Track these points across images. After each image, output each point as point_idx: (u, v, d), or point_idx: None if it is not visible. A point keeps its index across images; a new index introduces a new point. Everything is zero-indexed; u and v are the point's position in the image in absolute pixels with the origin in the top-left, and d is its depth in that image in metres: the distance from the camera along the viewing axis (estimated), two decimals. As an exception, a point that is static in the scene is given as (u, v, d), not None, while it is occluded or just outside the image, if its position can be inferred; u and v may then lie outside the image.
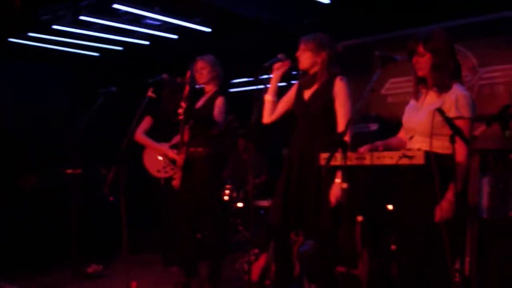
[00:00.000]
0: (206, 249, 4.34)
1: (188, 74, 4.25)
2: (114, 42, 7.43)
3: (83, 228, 5.05)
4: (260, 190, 6.89)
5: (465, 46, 5.44)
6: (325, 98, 3.40)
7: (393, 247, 3.78)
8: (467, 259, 3.41)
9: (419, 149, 2.62)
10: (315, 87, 3.47)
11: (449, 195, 2.72)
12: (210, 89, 4.38)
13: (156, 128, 5.19)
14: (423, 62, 2.91)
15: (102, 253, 5.53)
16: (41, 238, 5.53)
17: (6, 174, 5.98)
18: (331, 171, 3.19)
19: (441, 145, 2.75)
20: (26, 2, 5.64)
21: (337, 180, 3.27)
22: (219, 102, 4.25)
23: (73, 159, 5.00)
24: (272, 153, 6.97)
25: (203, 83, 4.36)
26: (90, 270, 4.95)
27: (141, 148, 5.17)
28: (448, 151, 2.69)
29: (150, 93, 4.06)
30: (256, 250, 4.66)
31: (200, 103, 4.36)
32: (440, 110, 2.61)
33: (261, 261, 4.45)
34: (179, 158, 4.25)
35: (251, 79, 7.93)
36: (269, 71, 3.54)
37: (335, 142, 2.78)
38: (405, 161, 2.63)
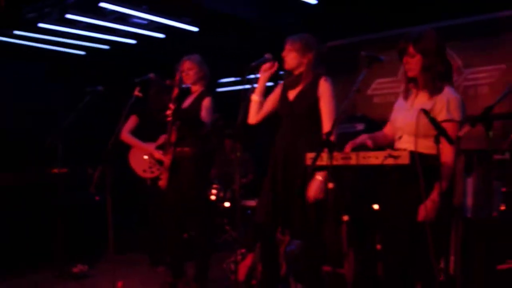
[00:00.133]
0: (193, 249, 4.33)
1: (177, 76, 4.24)
2: (100, 41, 7.40)
3: (69, 228, 5.02)
4: (247, 189, 6.89)
5: (450, 47, 5.49)
6: (309, 98, 3.41)
7: (378, 246, 3.80)
8: (452, 258, 3.44)
9: (404, 149, 2.64)
10: (299, 87, 3.48)
11: (434, 195, 2.75)
12: (197, 89, 4.38)
13: (142, 127, 5.17)
14: (413, 63, 2.92)
15: (88, 253, 5.50)
16: (26, 238, 5.47)
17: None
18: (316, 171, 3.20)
19: (429, 146, 2.77)
20: (11, 0, 5.60)
21: (318, 177, 3.28)
22: (206, 102, 4.24)
23: (59, 158, 4.97)
24: (259, 152, 6.98)
25: (190, 84, 4.35)
26: (75, 270, 4.92)
27: (127, 147, 5.15)
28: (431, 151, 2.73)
29: (136, 92, 4.05)
30: (243, 250, 4.66)
31: (187, 103, 4.35)
32: (425, 111, 2.63)
33: (248, 261, 4.45)
34: (166, 159, 4.24)
35: (238, 78, 7.93)
36: (256, 70, 3.54)
37: (321, 142, 2.79)
38: (390, 161, 2.65)
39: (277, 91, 3.63)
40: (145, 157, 5.06)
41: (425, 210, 2.72)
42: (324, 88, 3.39)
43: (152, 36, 7.06)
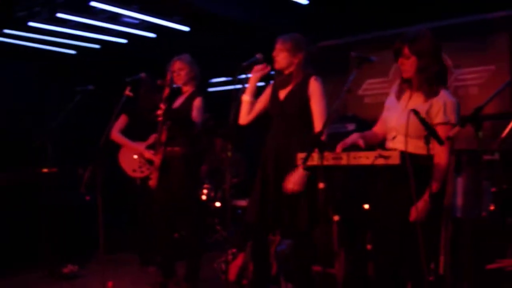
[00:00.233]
0: (183, 249, 4.32)
1: (168, 76, 4.23)
2: (91, 40, 7.37)
3: (59, 228, 5.00)
4: (238, 189, 6.88)
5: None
6: (300, 98, 3.41)
7: (369, 246, 3.81)
8: (442, 258, 3.46)
9: (395, 149, 2.65)
10: (290, 87, 3.49)
11: (426, 195, 2.76)
12: (187, 89, 4.37)
13: (132, 127, 5.16)
14: (408, 64, 2.90)
15: (78, 253, 5.47)
16: (16, 238, 5.44)
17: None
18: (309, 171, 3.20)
19: (423, 146, 2.79)
20: (1, -2, 5.58)
21: (301, 170, 3.26)
22: (197, 102, 4.24)
23: (49, 158, 4.95)
24: (250, 152, 6.98)
25: (181, 84, 4.34)
26: (66, 270, 4.90)
27: (117, 147, 5.13)
28: (431, 152, 2.76)
29: (127, 92, 4.04)
30: (234, 250, 4.66)
31: (177, 103, 4.34)
32: (415, 111, 2.64)
33: (239, 261, 4.46)
34: (156, 158, 4.24)
35: (229, 78, 7.92)
36: (247, 70, 3.54)
37: (312, 142, 2.80)
38: (381, 161, 2.67)
39: (268, 91, 3.64)
40: (135, 156, 5.05)
41: (417, 210, 2.73)
42: (314, 88, 3.39)
43: (143, 36, 7.04)
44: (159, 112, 4.05)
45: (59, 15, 6.06)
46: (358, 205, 4.07)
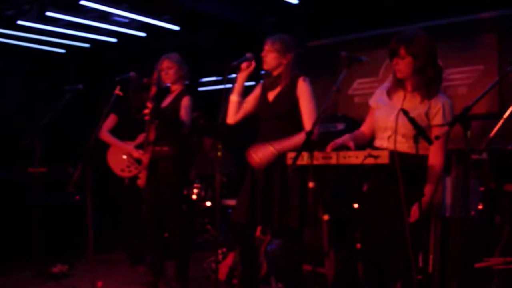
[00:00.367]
0: (173, 248, 4.32)
1: (155, 75, 4.22)
2: (81, 39, 7.34)
3: (49, 228, 4.97)
4: (229, 189, 6.88)
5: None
6: (289, 99, 3.42)
7: (358, 246, 3.82)
8: (431, 257, 3.48)
9: (385, 149, 2.66)
10: (278, 88, 3.49)
11: (426, 197, 2.82)
12: (176, 88, 4.35)
13: (121, 126, 5.15)
14: (403, 65, 2.91)
15: (68, 253, 5.45)
16: (4, 238, 5.42)
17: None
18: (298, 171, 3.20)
19: (421, 146, 2.81)
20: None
21: (271, 147, 3.31)
22: (185, 102, 4.23)
23: (37, 157, 4.92)
24: (240, 151, 6.98)
25: (170, 83, 4.33)
26: (55, 270, 4.87)
27: (106, 146, 5.12)
28: (427, 152, 2.83)
29: (117, 91, 4.03)
30: (224, 249, 4.67)
31: (166, 103, 4.33)
32: (404, 111, 2.66)
33: (229, 260, 4.46)
34: (145, 158, 4.22)
35: (219, 78, 7.92)
36: (237, 70, 3.54)
37: (302, 142, 2.81)
38: (370, 160, 2.68)
39: (257, 91, 3.63)
40: (124, 156, 5.04)
41: (417, 211, 2.78)
42: (303, 88, 3.40)
43: (133, 35, 7.02)
44: (146, 111, 4.04)
45: (49, 13, 6.03)
46: (348, 205, 4.08)
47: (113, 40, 7.32)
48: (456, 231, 3.00)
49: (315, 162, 2.82)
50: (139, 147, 4.79)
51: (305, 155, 2.83)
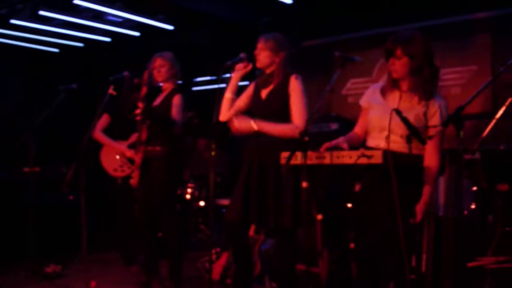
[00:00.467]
0: (166, 248, 4.31)
1: (146, 75, 4.21)
2: (74, 38, 7.32)
3: (42, 227, 4.95)
4: (222, 188, 6.88)
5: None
6: (281, 96, 3.43)
7: (352, 245, 3.83)
8: (424, 256, 3.49)
9: (378, 149, 2.67)
10: (271, 86, 3.50)
11: (425, 197, 2.85)
12: (167, 86, 4.34)
13: (114, 126, 5.14)
14: (399, 65, 2.91)
15: (61, 253, 5.43)
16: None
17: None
18: (291, 171, 3.21)
19: (416, 146, 2.81)
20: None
21: (252, 121, 3.38)
22: (176, 100, 4.21)
23: (31, 157, 4.91)
24: (234, 151, 6.98)
25: (161, 81, 4.32)
26: (48, 270, 4.86)
27: (99, 146, 5.11)
28: (422, 152, 2.86)
29: (111, 91, 4.02)
30: (218, 249, 4.66)
31: (157, 102, 4.32)
32: (397, 111, 2.67)
33: (223, 260, 4.46)
34: (137, 157, 4.22)
35: (213, 77, 7.91)
36: (231, 69, 3.55)
37: (295, 141, 2.81)
38: (364, 160, 2.69)
39: (250, 89, 3.64)
40: (117, 156, 5.04)
41: (421, 211, 2.83)
42: (294, 86, 3.41)
43: (127, 34, 7.00)
44: (137, 111, 4.03)
45: (42, 12, 6.01)
46: (342, 204, 4.09)
47: (107, 39, 7.30)
48: (449, 230, 3.01)
49: (308, 162, 2.82)
50: (131, 146, 4.78)
51: (298, 155, 2.84)
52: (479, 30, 5.52)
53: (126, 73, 4.19)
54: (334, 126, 4.96)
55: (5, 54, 7.66)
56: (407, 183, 2.76)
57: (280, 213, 3.33)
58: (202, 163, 6.86)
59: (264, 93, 3.52)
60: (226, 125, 3.62)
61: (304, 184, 2.80)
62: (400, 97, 2.98)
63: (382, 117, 2.94)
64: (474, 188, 3.91)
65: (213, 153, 3.60)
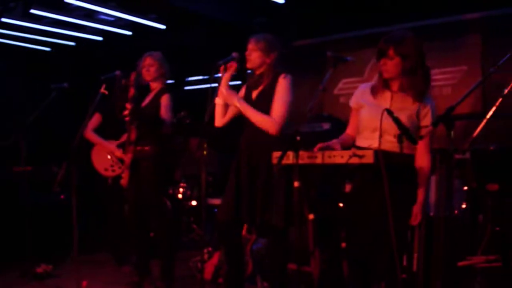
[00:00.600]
0: (157, 248, 4.31)
1: (133, 76, 4.19)
2: (66, 37, 7.29)
3: (33, 227, 4.93)
4: (214, 188, 6.87)
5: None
6: (270, 96, 3.43)
7: (343, 245, 3.84)
8: (415, 256, 3.51)
9: (369, 148, 2.68)
10: (261, 87, 3.51)
11: (420, 198, 2.90)
12: (156, 86, 4.33)
13: (105, 125, 5.13)
14: (391, 65, 2.92)
15: (53, 253, 5.41)
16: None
17: None
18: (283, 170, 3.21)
19: (407, 145, 2.83)
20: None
21: (236, 100, 3.46)
22: (165, 100, 4.21)
23: (22, 156, 4.88)
24: (226, 150, 6.97)
25: (150, 81, 4.30)
26: (39, 270, 4.83)
27: (90, 145, 5.09)
28: (413, 151, 2.88)
29: (102, 90, 4.01)
30: (210, 248, 4.67)
31: (146, 102, 4.31)
32: (388, 111, 2.68)
33: (214, 259, 4.46)
34: (127, 157, 4.21)
35: (205, 77, 7.91)
36: (224, 69, 3.54)
37: (287, 141, 2.82)
38: (355, 160, 2.70)
39: (242, 92, 3.65)
40: (108, 156, 5.03)
41: (419, 213, 2.88)
42: (282, 84, 3.42)
43: (118, 33, 6.99)
44: (126, 112, 4.02)
45: (34, 11, 5.98)
46: (333, 204, 4.10)
47: (99, 38, 7.28)
48: (440, 230, 3.03)
49: (300, 162, 2.83)
50: (120, 146, 4.77)
51: (290, 154, 2.85)
52: (469, 30, 5.56)
53: (118, 72, 4.18)
54: (326, 126, 4.97)
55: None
56: (399, 182, 2.78)
57: (268, 212, 3.34)
58: (194, 163, 6.85)
59: (254, 94, 3.53)
60: (220, 127, 3.63)
61: (296, 184, 2.81)
62: (392, 97, 2.99)
63: (374, 117, 2.94)
64: (465, 188, 3.93)
65: (205, 153, 3.59)
